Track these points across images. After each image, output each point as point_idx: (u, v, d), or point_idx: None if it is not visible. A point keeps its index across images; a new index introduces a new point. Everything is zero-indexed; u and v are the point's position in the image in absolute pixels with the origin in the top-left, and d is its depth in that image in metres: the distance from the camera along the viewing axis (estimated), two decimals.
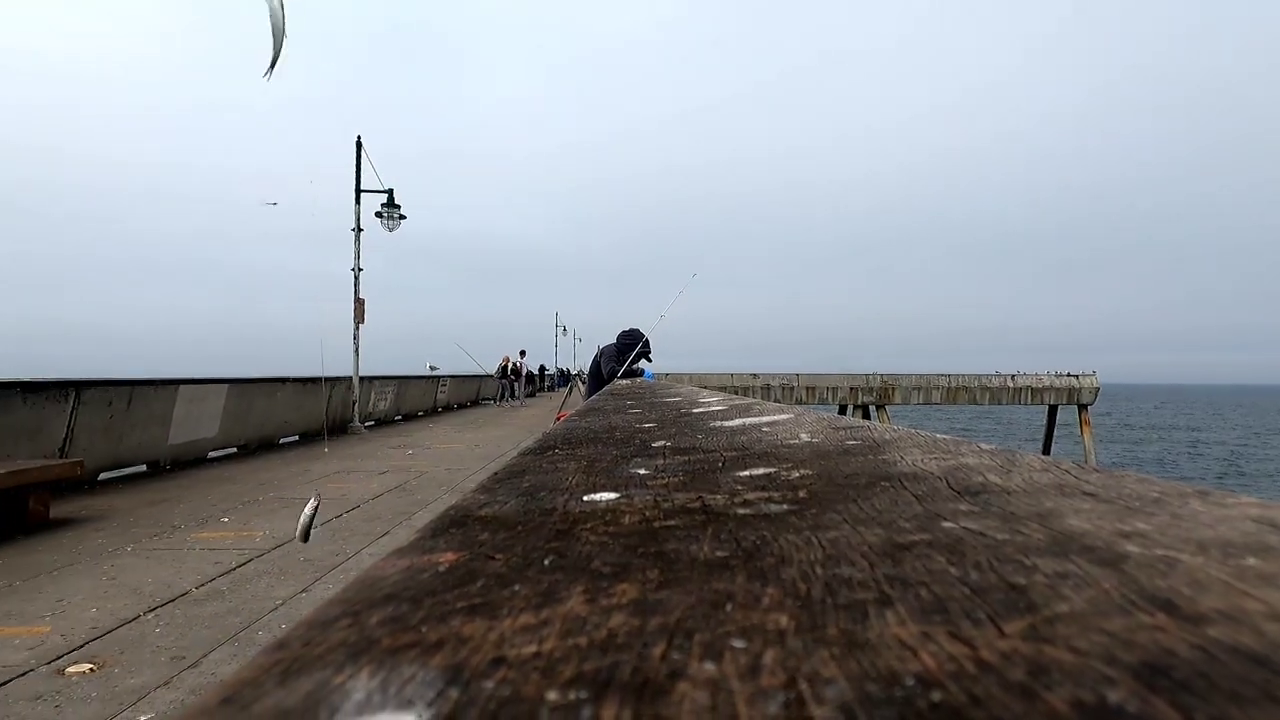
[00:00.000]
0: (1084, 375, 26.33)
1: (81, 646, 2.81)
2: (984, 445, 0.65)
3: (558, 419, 8.85)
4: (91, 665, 2.64)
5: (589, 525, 0.33)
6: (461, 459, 8.66)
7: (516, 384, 23.69)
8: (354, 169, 12.91)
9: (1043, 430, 26.99)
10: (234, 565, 3.94)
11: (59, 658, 2.70)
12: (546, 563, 0.26)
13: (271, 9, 6.83)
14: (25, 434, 5.93)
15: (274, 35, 6.90)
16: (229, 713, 0.14)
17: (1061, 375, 26.37)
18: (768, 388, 26.11)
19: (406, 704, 0.14)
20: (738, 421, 0.97)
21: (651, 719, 0.14)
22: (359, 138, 12.95)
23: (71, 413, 6.40)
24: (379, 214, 13.31)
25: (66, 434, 6.36)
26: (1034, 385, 26.21)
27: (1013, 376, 26.47)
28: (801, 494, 0.40)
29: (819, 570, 0.25)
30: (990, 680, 0.17)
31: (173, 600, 3.37)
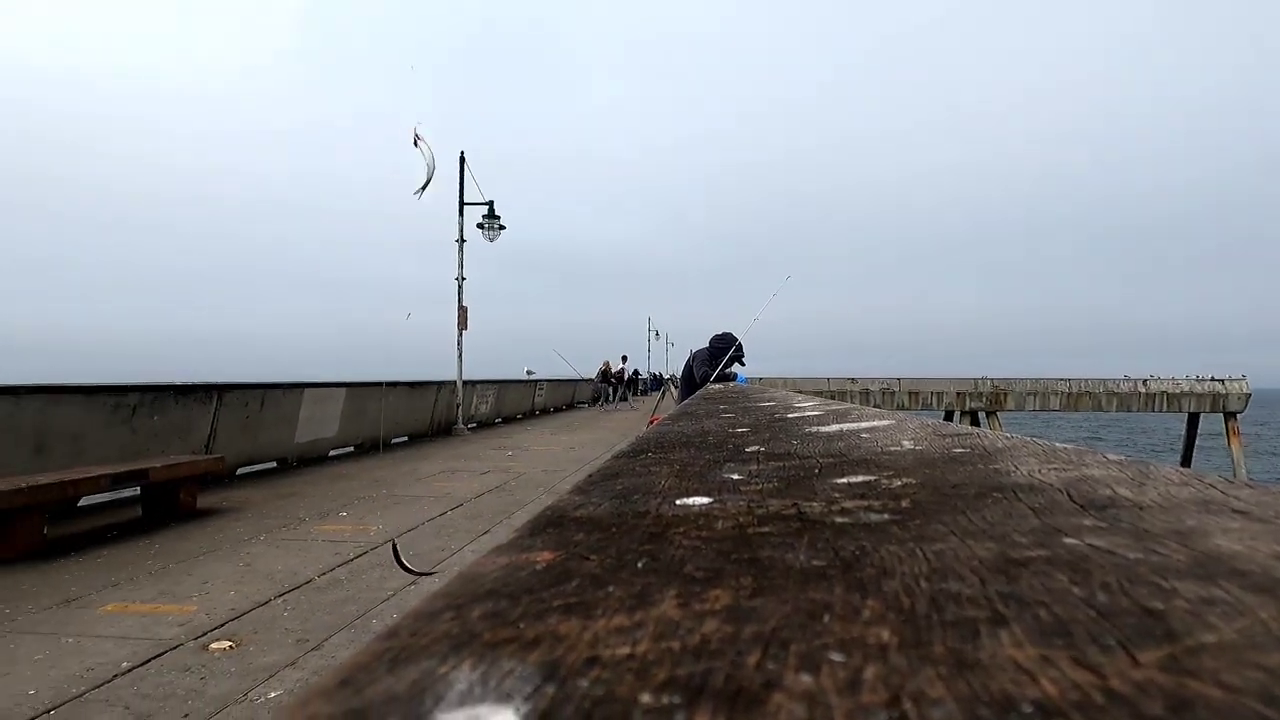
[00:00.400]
0: (1231, 379, 23.65)
1: (222, 625, 3.09)
2: (1111, 455, 0.60)
3: (650, 423, 8.91)
4: (230, 643, 2.90)
5: (681, 529, 0.33)
6: (558, 461, 8.89)
7: (619, 388, 24.05)
8: (457, 182, 13.57)
9: (1181, 441, 24.50)
10: (351, 557, 4.22)
11: (203, 634, 2.98)
12: (640, 565, 0.27)
13: (426, 156, 10.21)
14: (176, 432, 6.61)
15: (427, 170, 10.30)
16: (345, 695, 0.15)
17: (1204, 380, 23.80)
18: (866, 393, 25.17)
19: (505, 697, 0.15)
20: (835, 427, 0.94)
21: None
22: (461, 153, 13.61)
23: (214, 413, 7.07)
24: (480, 225, 13.92)
25: (210, 432, 7.04)
26: (1170, 390, 23.82)
27: (1145, 381, 24.16)
28: (904, 503, 0.38)
29: (923, 584, 0.24)
30: (1122, 713, 0.15)
31: (298, 587, 3.65)
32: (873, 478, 0.48)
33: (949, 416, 24.12)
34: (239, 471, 7.54)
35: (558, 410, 21.89)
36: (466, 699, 0.15)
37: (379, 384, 10.44)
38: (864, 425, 0.93)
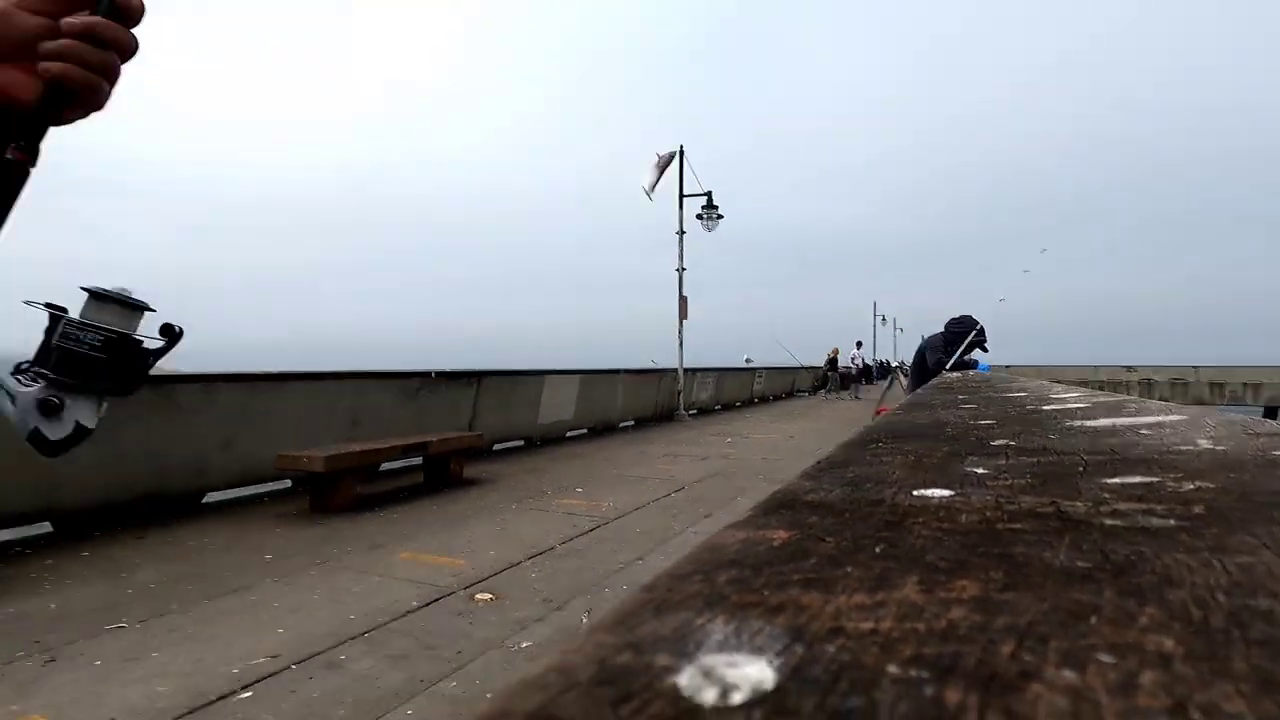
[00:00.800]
0: None
1: (485, 580, 3.57)
2: None
3: (877, 413, 8.41)
4: (491, 595, 3.34)
5: (920, 519, 0.32)
6: (776, 450, 8.81)
7: (845, 378, 23.14)
8: (677, 176, 14.00)
9: None
10: (587, 529, 4.61)
11: (470, 586, 3.48)
12: (877, 550, 0.26)
13: (660, 164, 12.74)
14: (446, 412, 7.74)
15: (658, 169, 12.87)
16: (621, 631, 0.18)
17: None
18: (1148, 383, 21.20)
19: (758, 650, 0.17)
20: (1105, 421, 0.81)
21: (1002, 710, 0.14)
22: (680, 148, 14.00)
23: (475, 396, 8.15)
24: (700, 216, 14.22)
25: (472, 413, 8.13)
26: None
27: None
28: (1196, 509, 0.33)
29: (1221, 597, 0.21)
30: None
31: (543, 553, 4.08)
32: (1155, 479, 0.42)
33: (1271, 414, 19.41)
34: (495, 447, 8.61)
35: (776, 398, 21.65)
36: (724, 647, 0.17)
37: (607, 371, 11.22)
38: (1144, 420, 0.79)
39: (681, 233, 13.93)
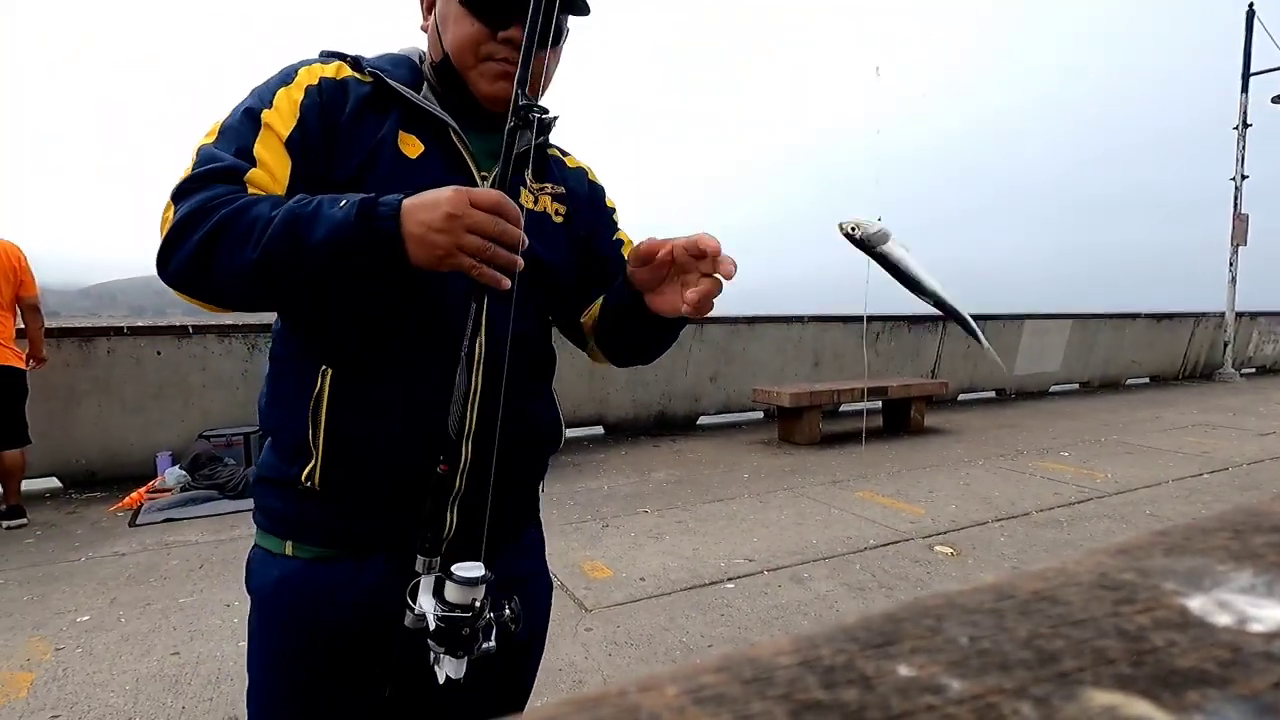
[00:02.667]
0: None
1: (944, 533, 3.45)
2: None
3: None
4: (952, 550, 3.22)
5: None
6: None
7: None
8: (1241, 48, 10.28)
9: None
10: (1072, 500, 3.99)
11: (929, 536, 3.40)
12: None
13: None
14: (909, 356, 7.54)
15: None
16: (1124, 559, 0.18)
17: None
18: None
19: None
20: None
21: None
22: (1250, 6, 10.18)
23: (940, 341, 7.72)
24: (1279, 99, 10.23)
25: (936, 358, 7.73)
26: None
27: None
28: None
29: None
30: None
31: (1015, 516, 3.70)
32: None
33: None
34: (960, 397, 8.05)
35: None
36: (1247, 591, 0.16)
37: (1113, 315, 9.21)
38: None
39: (1243, 126, 10.27)
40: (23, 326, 3.68)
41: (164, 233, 0.72)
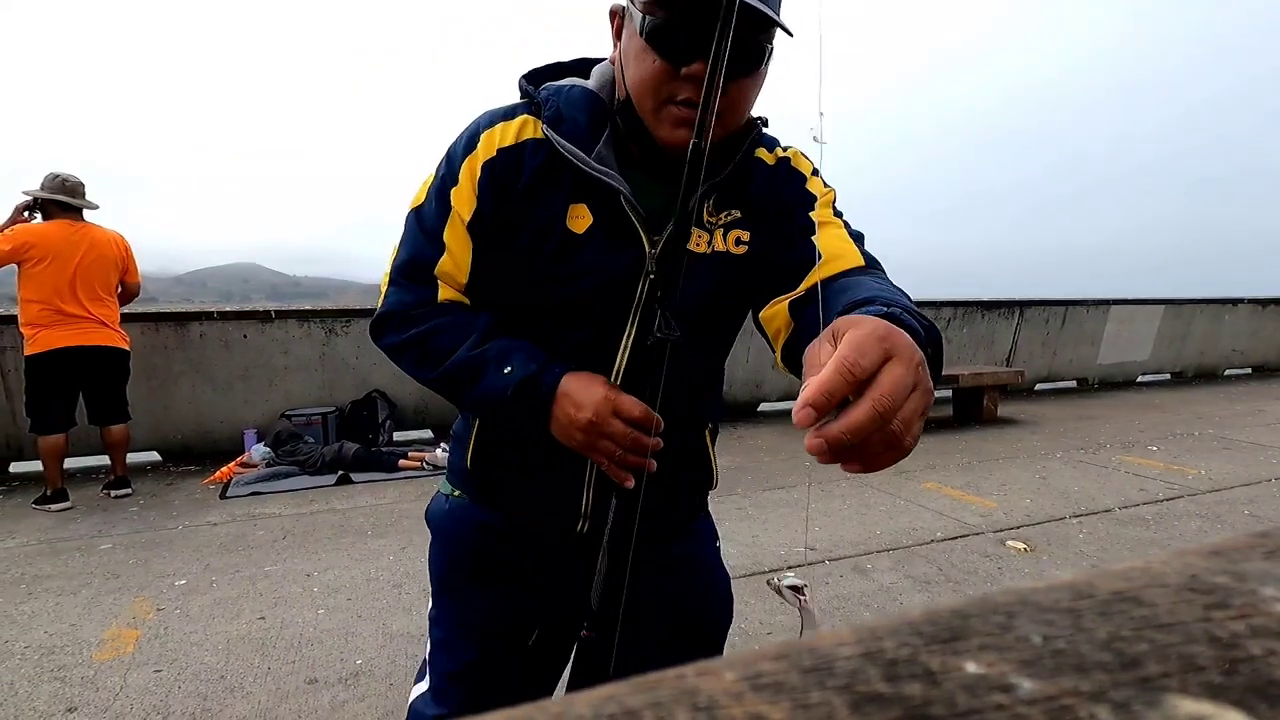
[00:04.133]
0: None
1: (1018, 528, 3.31)
2: None
3: None
4: (1025, 545, 3.09)
5: None
6: None
7: None
8: None
9: None
10: (1161, 497, 3.76)
11: (1001, 530, 3.27)
12: None
13: None
14: (982, 344, 7.23)
15: None
16: (1219, 561, 0.17)
17: None
18: None
19: None
20: None
21: None
22: None
23: (1015, 328, 7.37)
24: None
25: (1011, 346, 7.39)
26: None
27: None
28: None
29: None
30: None
31: (1095, 513, 3.52)
32: None
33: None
34: (1037, 387, 7.67)
35: None
36: None
37: (1211, 301, 8.57)
38: None
39: None
40: (125, 311, 3.96)
41: (379, 307, 0.89)
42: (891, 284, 0.78)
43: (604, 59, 0.93)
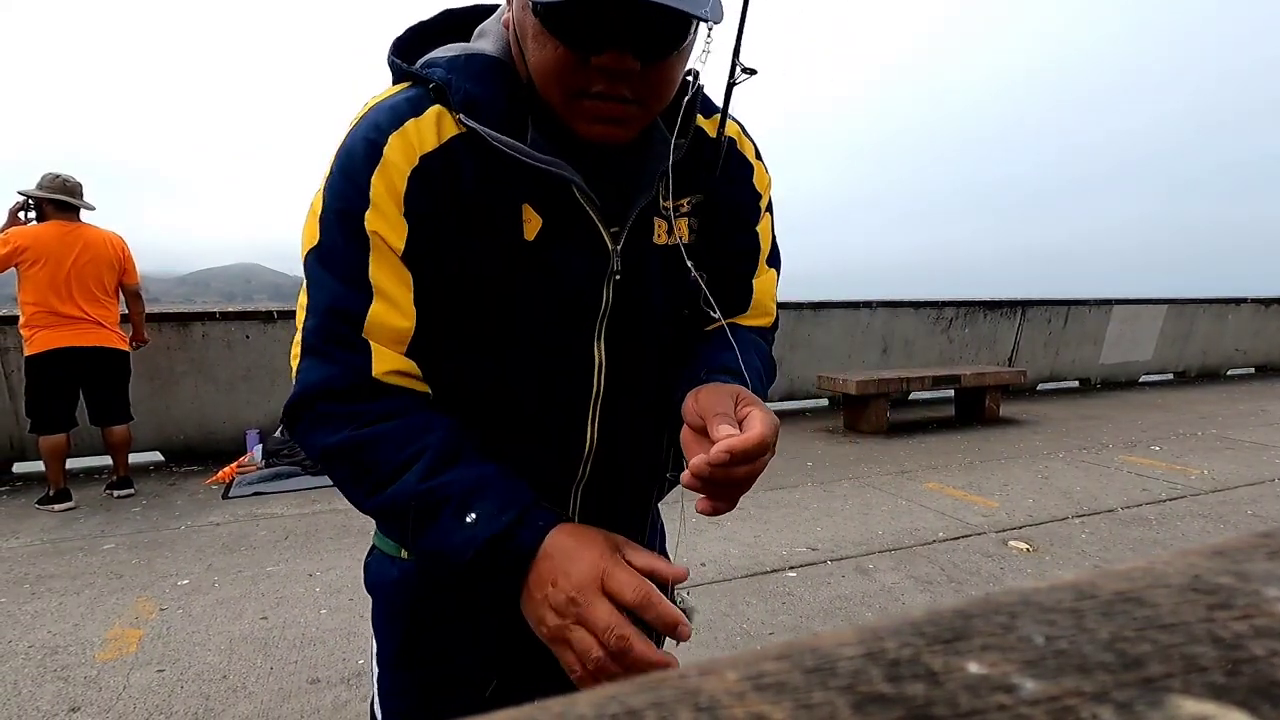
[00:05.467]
0: None
1: (1020, 528, 3.31)
2: None
3: None
4: (1027, 545, 3.08)
5: None
6: None
7: None
8: None
9: None
10: (1164, 497, 3.75)
11: (1003, 531, 3.27)
12: None
13: None
14: (985, 344, 7.22)
15: None
16: (1221, 561, 0.17)
17: None
18: None
19: None
20: None
21: None
22: None
23: (1018, 328, 7.36)
24: None
25: (1013, 346, 7.38)
26: None
27: None
28: None
29: None
30: None
31: (1098, 513, 3.51)
32: None
33: None
34: (1039, 387, 7.66)
35: None
36: None
37: (1215, 300, 8.55)
38: None
39: None
40: (126, 311, 3.97)
41: (294, 385, 0.68)
42: (761, 342, 0.85)
43: (476, 3, 0.77)
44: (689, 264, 0.74)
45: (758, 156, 0.82)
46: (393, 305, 0.65)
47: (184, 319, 4.62)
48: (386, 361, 0.66)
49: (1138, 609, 0.15)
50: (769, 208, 0.84)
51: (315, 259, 0.66)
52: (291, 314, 4.87)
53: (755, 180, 0.81)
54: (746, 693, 0.14)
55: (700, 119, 0.76)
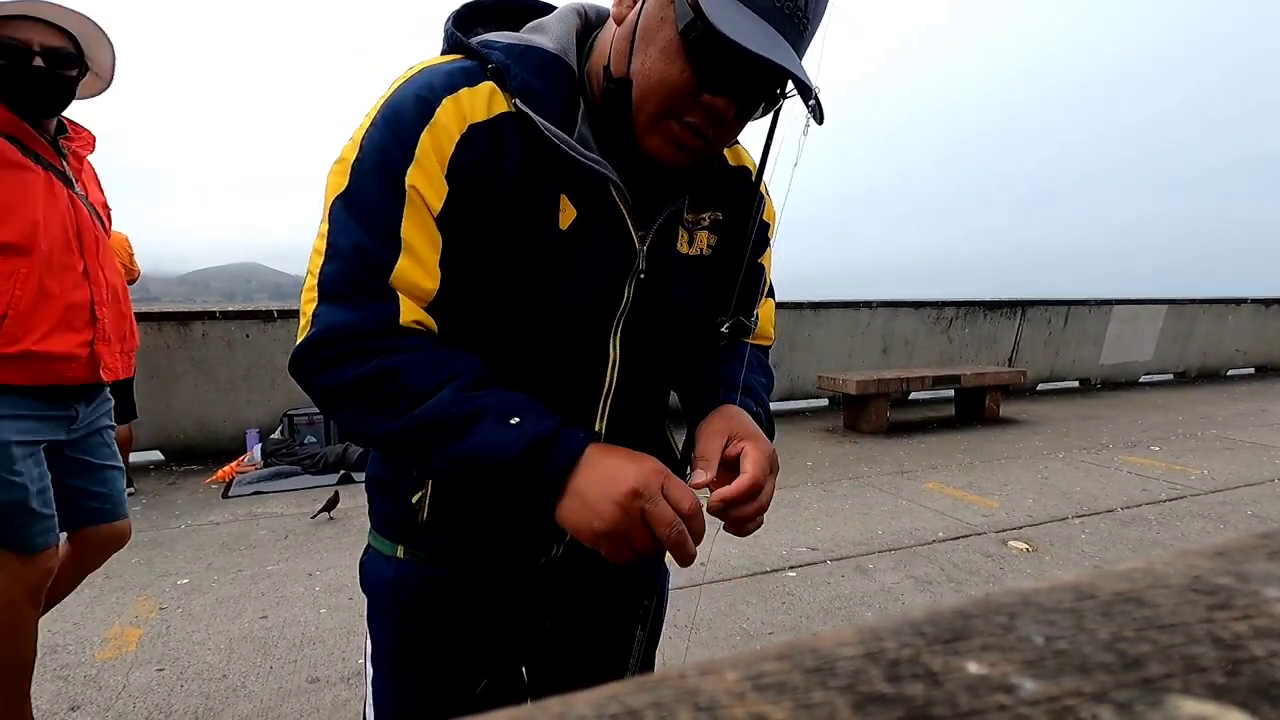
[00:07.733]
0: None
1: (1020, 528, 3.31)
2: None
3: None
4: (1027, 545, 3.08)
5: None
6: None
7: None
8: None
9: None
10: (1163, 497, 3.75)
11: (1003, 531, 3.27)
12: None
13: None
14: (985, 343, 7.22)
15: None
16: (1221, 561, 0.17)
17: None
18: None
19: None
20: None
21: None
22: None
23: (1018, 328, 7.36)
24: None
25: (1013, 346, 7.38)
26: None
27: None
28: None
29: None
30: None
31: (1097, 513, 3.51)
32: None
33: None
34: (1039, 387, 7.66)
35: None
36: None
37: (1215, 301, 8.55)
38: None
39: None
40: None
41: (306, 331, 0.65)
42: (765, 361, 0.93)
43: None
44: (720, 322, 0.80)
45: (766, 190, 0.85)
46: (419, 264, 0.65)
47: (184, 318, 4.62)
48: (412, 313, 0.65)
49: (1138, 609, 0.15)
50: (769, 241, 0.88)
51: (343, 205, 0.65)
52: (292, 314, 4.87)
53: (765, 213, 0.84)
54: (746, 693, 0.14)
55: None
